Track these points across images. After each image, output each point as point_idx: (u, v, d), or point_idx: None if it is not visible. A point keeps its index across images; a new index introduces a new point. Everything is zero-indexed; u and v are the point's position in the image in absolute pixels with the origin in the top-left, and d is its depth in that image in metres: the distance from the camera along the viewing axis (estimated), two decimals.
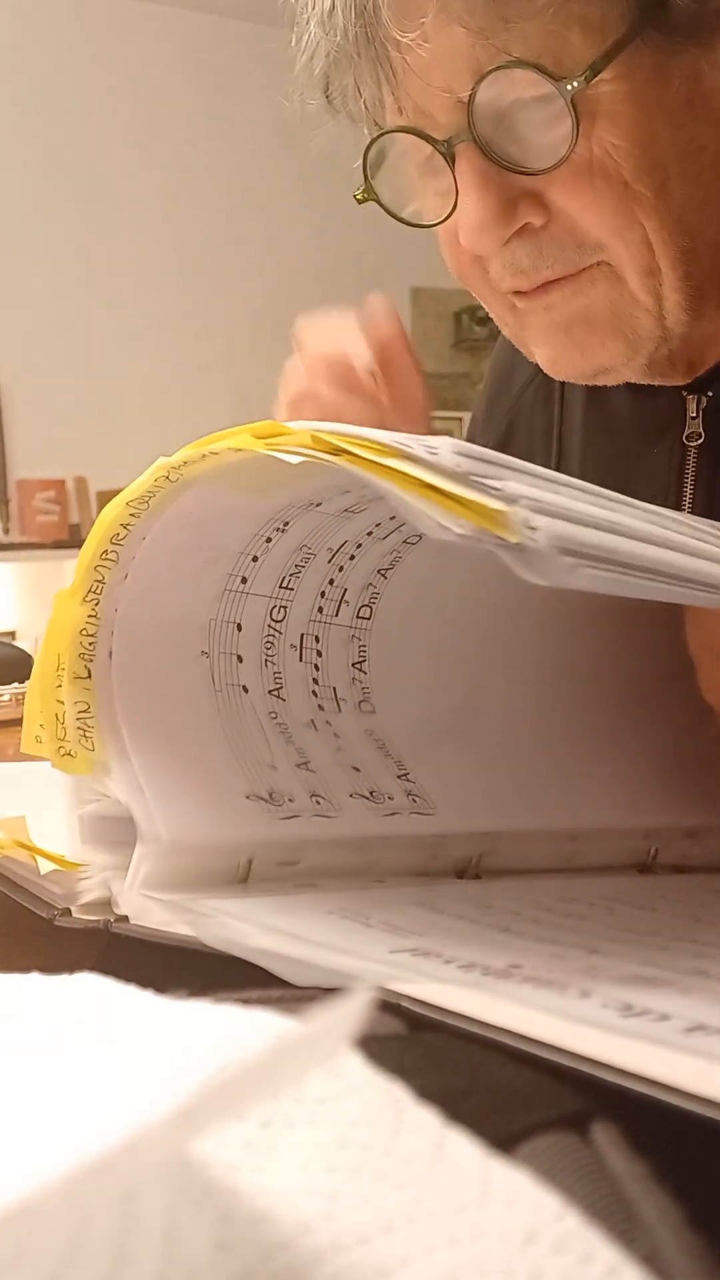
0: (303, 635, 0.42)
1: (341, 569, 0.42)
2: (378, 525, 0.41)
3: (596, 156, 0.54)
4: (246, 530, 0.40)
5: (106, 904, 0.37)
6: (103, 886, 0.38)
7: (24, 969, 0.28)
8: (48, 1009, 0.26)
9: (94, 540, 0.38)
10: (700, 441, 0.67)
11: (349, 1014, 0.17)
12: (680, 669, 0.46)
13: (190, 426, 0.35)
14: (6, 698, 0.97)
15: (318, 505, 0.39)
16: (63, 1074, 0.22)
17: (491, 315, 0.65)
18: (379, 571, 0.43)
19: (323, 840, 0.40)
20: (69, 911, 0.37)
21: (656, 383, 0.66)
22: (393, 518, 0.40)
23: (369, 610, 0.43)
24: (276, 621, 0.42)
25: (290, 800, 0.40)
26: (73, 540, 3.72)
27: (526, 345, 0.65)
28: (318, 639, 0.43)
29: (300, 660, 0.42)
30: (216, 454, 0.35)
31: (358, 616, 0.43)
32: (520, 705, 0.48)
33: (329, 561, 0.42)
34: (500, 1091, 0.23)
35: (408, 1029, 0.26)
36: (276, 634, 0.42)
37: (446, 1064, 0.24)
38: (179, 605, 0.40)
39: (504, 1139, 0.21)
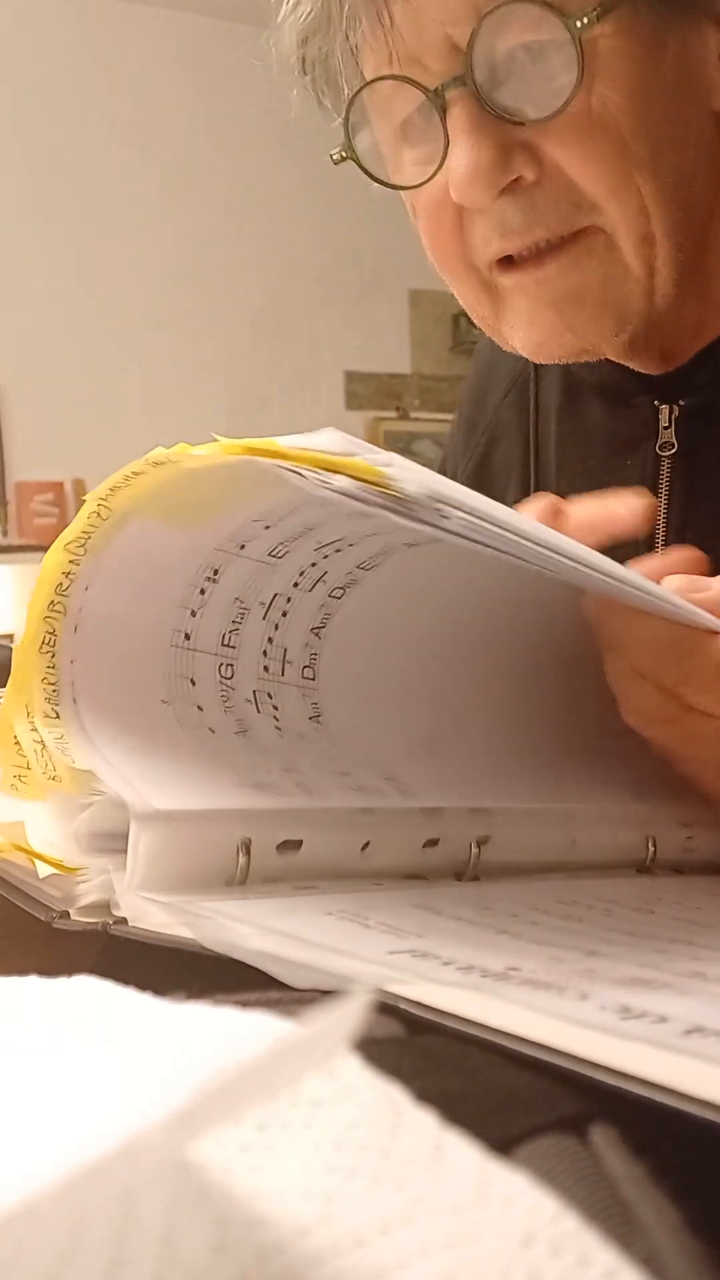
0: (255, 692, 0.43)
1: (277, 626, 0.43)
2: (301, 574, 0.42)
3: (595, 110, 0.53)
4: (182, 579, 0.41)
5: (105, 906, 0.37)
6: (101, 889, 0.38)
7: (22, 971, 0.28)
8: (47, 1010, 0.26)
9: (41, 592, 0.39)
10: (673, 451, 0.67)
11: (347, 1016, 0.17)
12: None
13: (189, 427, 0.36)
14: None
15: (242, 548, 0.40)
16: (62, 1074, 0.22)
17: (464, 303, 0.63)
18: (313, 630, 0.43)
19: (319, 810, 0.40)
20: (67, 914, 0.37)
21: (632, 365, 0.66)
22: (314, 564, 0.41)
23: (312, 671, 0.44)
24: (226, 679, 0.42)
25: (280, 792, 0.40)
26: None
27: (502, 332, 0.63)
28: (270, 695, 0.43)
29: (259, 713, 0.43)
30: (140, 473, 0.36)
31: (303, 677, 0.44)
32: (520, 705, 0.48)
33: (263, 618, 0.42)
34: (498, 1094, 0.23)
35: (406, 1031, 0.26)
36: (230, 689, 0.42)
37: (445, 1066, 0.24)
38: (135, 657, 0.40)
39: (502, 1141, 0.21)
